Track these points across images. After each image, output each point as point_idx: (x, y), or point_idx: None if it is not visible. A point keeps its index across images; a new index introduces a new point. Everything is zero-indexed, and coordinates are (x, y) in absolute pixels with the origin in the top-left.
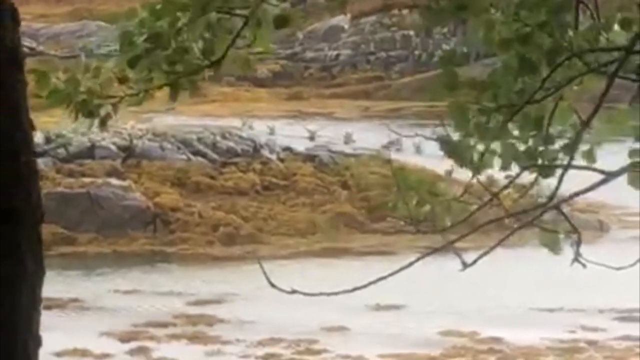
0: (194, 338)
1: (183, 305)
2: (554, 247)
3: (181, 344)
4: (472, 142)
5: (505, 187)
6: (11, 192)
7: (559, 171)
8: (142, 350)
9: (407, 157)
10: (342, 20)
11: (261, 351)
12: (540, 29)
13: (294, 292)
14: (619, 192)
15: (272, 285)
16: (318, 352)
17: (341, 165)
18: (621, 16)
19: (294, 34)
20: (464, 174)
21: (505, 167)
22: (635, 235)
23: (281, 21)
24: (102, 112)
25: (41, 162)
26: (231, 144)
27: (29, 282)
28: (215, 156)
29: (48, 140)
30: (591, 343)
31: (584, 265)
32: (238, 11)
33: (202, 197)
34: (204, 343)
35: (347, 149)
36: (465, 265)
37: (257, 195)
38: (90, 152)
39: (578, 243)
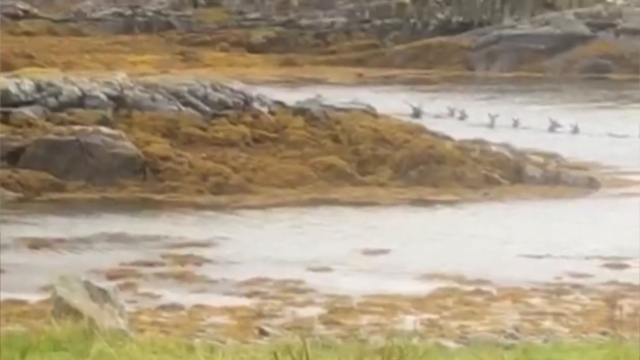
0: (180, 277)
1: (170, 247)
2: None
3: (168, 282)
4: None
5: None
6: None
7: None
8: (128, 286)
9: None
10: None
11: (247, 289)
12: None
13: None
14: (610, 150)
15: None
16: (304, 291)
17: (332, 119)
18: None
19: (289, 1)
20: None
21: None
22: (625, 192)
23: None
24: None
25: (31, 111)
26: (222, 96)
27: None
28: (206, 108)
29: (39, 88)
30: (577, 286)
31: None
32: None
33: (192, 148)
34: (190, 282)
35: (338, 104)
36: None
37: (247, 147)
38: (80, 101)
39: None
